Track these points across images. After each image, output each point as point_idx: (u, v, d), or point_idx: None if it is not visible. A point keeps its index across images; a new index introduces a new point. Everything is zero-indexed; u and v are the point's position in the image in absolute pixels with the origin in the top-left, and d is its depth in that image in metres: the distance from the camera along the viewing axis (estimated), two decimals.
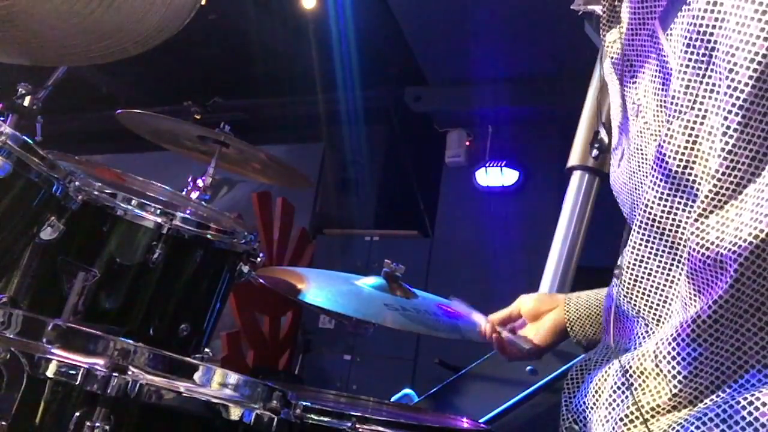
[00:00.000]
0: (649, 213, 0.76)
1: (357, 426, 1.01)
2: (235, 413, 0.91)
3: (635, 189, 0.86)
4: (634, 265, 0.79)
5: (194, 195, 1.92)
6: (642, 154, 0.83)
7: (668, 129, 0.72)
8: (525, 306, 1.26)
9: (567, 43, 3.54)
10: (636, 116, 0.84)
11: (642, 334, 0.79)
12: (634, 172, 0.86)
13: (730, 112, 0.64)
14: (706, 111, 0.68)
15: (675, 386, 0.69)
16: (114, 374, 0.84)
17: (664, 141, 0.72)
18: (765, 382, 0.63)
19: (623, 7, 0.87)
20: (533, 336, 1.21)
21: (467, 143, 5.20)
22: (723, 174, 0.65)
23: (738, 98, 0.63)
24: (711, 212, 0.66)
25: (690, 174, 0.70)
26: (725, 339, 0.65)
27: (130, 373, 0.86)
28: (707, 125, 0.67)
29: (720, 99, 0.65)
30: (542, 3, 3.79)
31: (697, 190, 0.69)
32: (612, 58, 0.92)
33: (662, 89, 0.79)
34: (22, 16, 1.24)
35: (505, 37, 4.38)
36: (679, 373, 0.68)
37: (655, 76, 0.80)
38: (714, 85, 0.66)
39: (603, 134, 1.09)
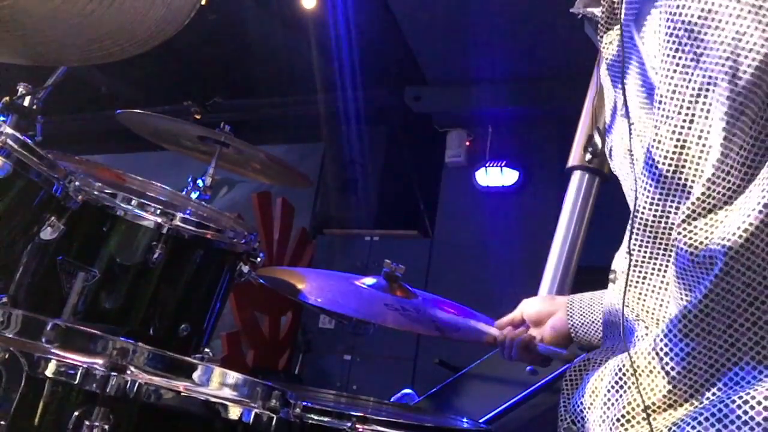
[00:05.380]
0: (641, 218, 0.76)
1: (357, 426, 1.01)
2: (234, 413, 0.91)
3: (629, 190, 0.86)
4: (629, 269, 0.79)
5: (194, 195, 1.92)
6: (632, 155, 0.83)
7: (656, 134, 0.73)
8: (527, 310, 1.25)
9: (567, 43, 3.54)
10: (626, 117, 0.85)
11: (641, 336, 0.79)
12: (628, 173, 0.86)
13: (722, 119, 0.65)
14: (693, 115, 0.69)
15: (669, 383, 0.68)
16: (113, 374, 0.84)
17: (653, 146, 0.73)
18: (760, 378, 0.63)
19: (621, 8, 0.87)
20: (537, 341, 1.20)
21: (467, 143, 5.19)
22: (714, 183, 0.66)
23: (730, 107, 0.64)
24: (700, 215, 0.66)
25: (680, 178, 0.71)
26: (718, 334, 0.65)
27: (129, 372, 0.86)
28: (696, 129, 0.68)
29: (709, 105, 0.66)
30: (542, 3, 3.79)
31: (688, 193, 0.70)
32: (608, 60, 0.92)
33: (641, 90, 0.80)
34: (22, 16, 1.24)
35: (505, 37, 4.37)
36: (672, 368, 0.68)
37: (637, 77, 0.82)
38: (700, 89, 0.67)
39: (597, 138, 1.09)
